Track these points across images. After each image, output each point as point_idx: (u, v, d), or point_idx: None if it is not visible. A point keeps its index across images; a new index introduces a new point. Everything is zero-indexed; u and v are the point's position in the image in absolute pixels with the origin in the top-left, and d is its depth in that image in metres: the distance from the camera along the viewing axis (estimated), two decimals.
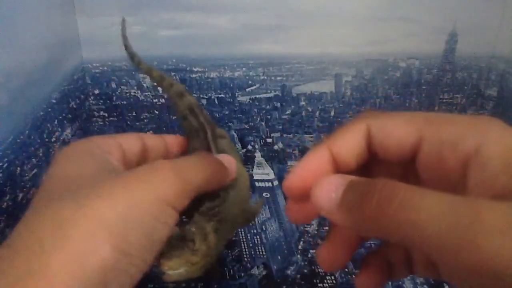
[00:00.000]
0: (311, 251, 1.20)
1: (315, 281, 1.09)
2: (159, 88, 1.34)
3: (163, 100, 1.62)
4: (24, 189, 1.19)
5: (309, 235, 1.27)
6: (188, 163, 0.61)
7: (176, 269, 0.79)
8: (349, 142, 0.52)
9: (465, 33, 1.49)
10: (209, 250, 0.85)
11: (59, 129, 1.41)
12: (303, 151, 1.74)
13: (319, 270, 1.13)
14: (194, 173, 0.61)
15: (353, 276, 1.11)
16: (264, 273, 1.12)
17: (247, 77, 1.66)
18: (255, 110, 1.69)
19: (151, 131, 1.73)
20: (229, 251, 1.18)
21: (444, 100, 1.63)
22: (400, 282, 1.09)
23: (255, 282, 1.09)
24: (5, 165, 1.10)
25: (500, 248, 0.33)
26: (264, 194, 1.46)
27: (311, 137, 1.73)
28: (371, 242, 1.25)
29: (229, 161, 0.75)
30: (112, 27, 1.25)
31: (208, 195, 1.02)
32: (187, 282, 1.06)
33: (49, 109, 1.35)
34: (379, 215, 0.38)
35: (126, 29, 1.28)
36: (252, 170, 1.56)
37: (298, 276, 1.11)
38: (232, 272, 1.11)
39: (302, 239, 1.25)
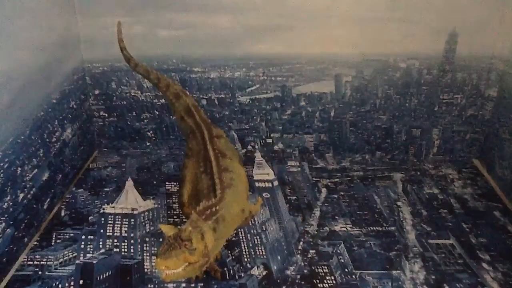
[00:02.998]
0: (311, 251, 1.20)
1: (315, 281, 1.09)
2: None
3: (163, 100, 1.62)
4: (25, 189, 1.19)
5: (309, 235, 1.27)
6: None
7: (173, 268, 0.79)
8: None
9: (465, 33, 1.49)
10: (207, 249, 0.85)
11: (60, 129, 1.42)
12: (303, 151, 1.74)
13: (319, 270, 1.13)
14: None
15: (353, 276, 1.11)
16: (264, 273, 1.12)
17: (247, 78, 1.66)
18: (255, 110, 1.69)
19: (151, 131, 1.73)
20: (229, 251, 1.18)
21: (444, 101, 1.63)
22: (400, 283, 1.09)
23: (255, 282, 1.09)
24: (5, 165, 1.10)
25: None
26: (264, 194, 1.46)
27: (311, 137, 1.73)
28: (371, 243, 1.25)
29: None
30: (112, 27, 1.25)
31: (205, 194, 1.02)
32: (186, 282, 1.07)
33: (50, 109, 1.35)
34: None
35: (126, 30, 1.29)
36: (252, 170, 1.56)
37: (298, 276, 1.11)
38: (232, 272, 1.11)
39: (302, 239, 1.25)
